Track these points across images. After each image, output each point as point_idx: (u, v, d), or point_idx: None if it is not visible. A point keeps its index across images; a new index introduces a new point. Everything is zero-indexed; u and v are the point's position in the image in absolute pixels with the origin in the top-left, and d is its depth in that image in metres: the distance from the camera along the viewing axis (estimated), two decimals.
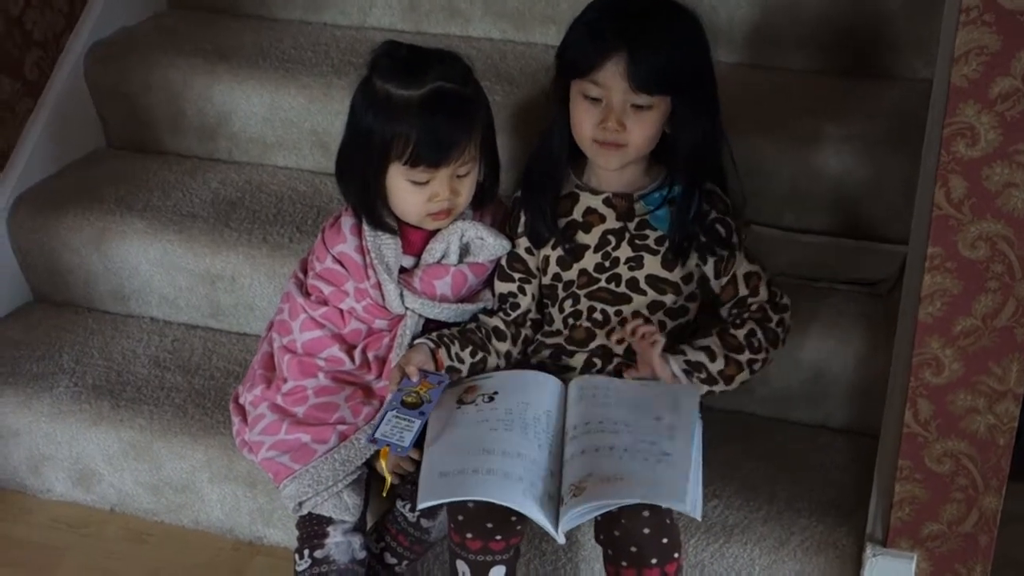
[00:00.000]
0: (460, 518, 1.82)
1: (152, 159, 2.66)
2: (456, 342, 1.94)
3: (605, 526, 1.78)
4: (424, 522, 1.94)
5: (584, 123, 1.89)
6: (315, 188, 2.53)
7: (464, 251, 2.00)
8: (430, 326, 2.01)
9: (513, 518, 1.80)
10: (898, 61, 2.45)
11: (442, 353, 1.92)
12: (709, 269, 1.96)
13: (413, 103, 1.86)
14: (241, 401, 2.06)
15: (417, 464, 1.85)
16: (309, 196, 2.50)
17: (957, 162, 1.58)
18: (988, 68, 1.53)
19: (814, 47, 2.49)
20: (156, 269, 2.42)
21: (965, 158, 1.58)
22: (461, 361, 1.94)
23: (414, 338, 1.97)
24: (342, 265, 1.98)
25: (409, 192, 1.91)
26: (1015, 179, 1.57)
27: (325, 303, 2.00)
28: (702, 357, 1.90)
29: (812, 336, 2.11)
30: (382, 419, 1.84)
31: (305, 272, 2.06)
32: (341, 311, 1.99)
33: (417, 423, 1.83)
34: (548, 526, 1.73)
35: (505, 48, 2.63)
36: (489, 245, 1.99)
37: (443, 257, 1.98)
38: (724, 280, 1.96)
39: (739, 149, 2.02)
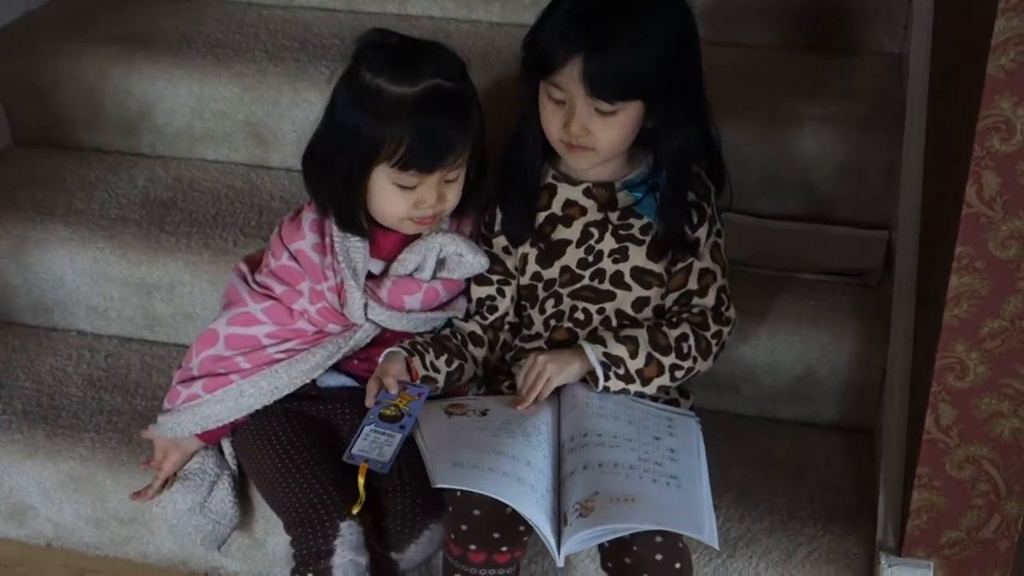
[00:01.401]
0: (463, 528, 1.69)
1: (68, 156, 2.45)
2: (431, 350, 1.81)
3: (614, 553, 1.66)
4: (392, 554, 1.80)
5: (550, 124, 1.78)
6: (252, 184, 2.35)
7: (438, 266, 1.85)
8: (387, 334, 1.87)
9: (521, 527, 1.69)
10: (864, 34, 2.36)
11: (416, 362, 1.79)
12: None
13: (408, 101, 1.70)
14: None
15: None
16: (247, 193, 2.33)
17: (991, 157, 1.48)
18: None
19: (777, 20, 2.39)
20: (83, 279, 2.22)
21: (999, 153, 1.47)
22: (436, 370, 1.81)
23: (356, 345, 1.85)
24: (298, 263, 1.83)
25: (393, 196, 1.76)
26: None
27: (271, 299, 1.85)
28: (623, 352, 1.77)
29: (801, 331, 2.02)
30: (359, 434, 1.70)
31: (252, 268, 1.90)
32: (291, 309, 1.84)
33: (398, 437, 1.70)
34: (552, 544, 1.61)
35: (448, 27, 2.48)
36: (467, 263, 1.85)
37: (416, 270, 1.83)
38: (679, 266, 1.84)
39: None
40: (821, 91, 2.24)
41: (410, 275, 1.84)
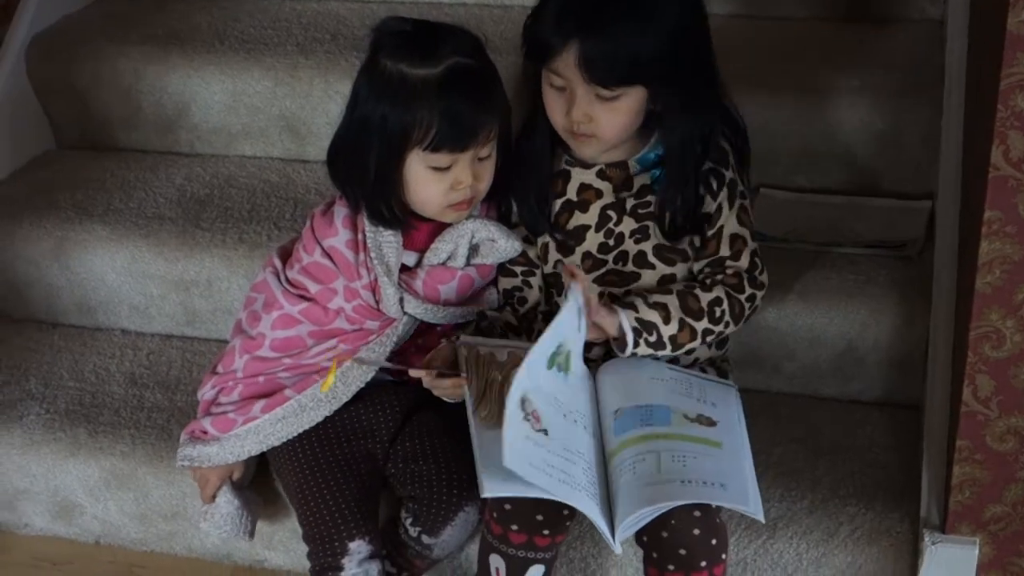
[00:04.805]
0: (507, 507, 1.67)
1: (108, 157, 2.48)
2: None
3: (651, 527, 1.63)
4: (425, 538, 1.80)
5: (553, 111, 1.75)
6: (288, 178, 2.36)
7: (471, 252, 1.83)
8: (422, 326, 1.86)
9: (565, 512, 1.67)
10: (903, 1, 2.30)
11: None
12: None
13: (432, 82, 1.68)
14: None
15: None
16: (283, 187, 2.33)
17: (1017, 117, 1.43)
18: None
19: None
20: (124, 278, 2.24)
21: None
22: None
23: (400, 340, 1.84)
24: (332, 260, 1.82)
25: (429, 180, 1.73)
26: None
27: (307, 299, 1.83)
28: (655, 317, 1.73)
29: (841, 306, 1.97)
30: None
31: (285, 261, 1.89)
32: (326, 309, 1.83)
33: None
34: (608, 536, 1.60)
35: (481, 13, 2.46)
36: (500, 248, 1.82)
37: (449, 259, 1.82)
38: (708, 233, 1.79)
39: (744, 108, 1.86)
40: (860, 61, 2.20)
41: (443, 264, 1.83)
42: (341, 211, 1.82)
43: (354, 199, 1.80)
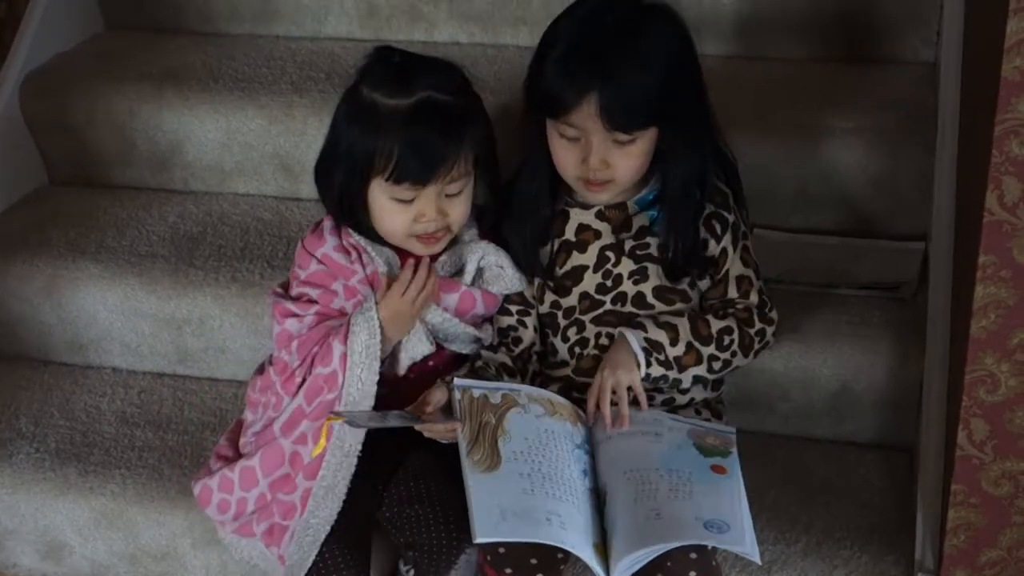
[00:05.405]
0: (501, 551, 1.67)
1: (101, 195, 2.47)
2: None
3: (646, 569, 1.62)
4: None
5: (566, 162, 1.75)
6: (281, 216, 2.35)
7: (477, 275, 1.83)
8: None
9: (559, 555, 1.66)
10: (897, 43, 2.31)
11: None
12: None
13: (400, 113, 1.69)
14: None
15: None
16: (276, 225, 2.32)
17: (1011, 162, 1.44)
18: None
19: (807, 33, 2.35)
20: (116, 316, 2.23)
21: (1020, 158, 1.43)
22: None
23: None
24: (326, 266, 1.82)
25: (393, 211, 1.74)
26: None
27: (314, 303, 1.82)
28: (663, 336, 1.75)
29: (835, 347, 1.96)
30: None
31: (285, 288, 1.89)
32: (331, 311, 1.82)
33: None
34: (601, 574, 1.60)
35: (475, 52, 2.46)
36: (507, 277, 1.83)
37: (456, 273, 1.82)
38: (715, 277, 1.82)
39: (739, 149, 1.89)
40: (854, 103, 2.19)
41: (451, 276, 1.82)
42: (328, 224, 1.84)
43: (336, 217, 1.82)
